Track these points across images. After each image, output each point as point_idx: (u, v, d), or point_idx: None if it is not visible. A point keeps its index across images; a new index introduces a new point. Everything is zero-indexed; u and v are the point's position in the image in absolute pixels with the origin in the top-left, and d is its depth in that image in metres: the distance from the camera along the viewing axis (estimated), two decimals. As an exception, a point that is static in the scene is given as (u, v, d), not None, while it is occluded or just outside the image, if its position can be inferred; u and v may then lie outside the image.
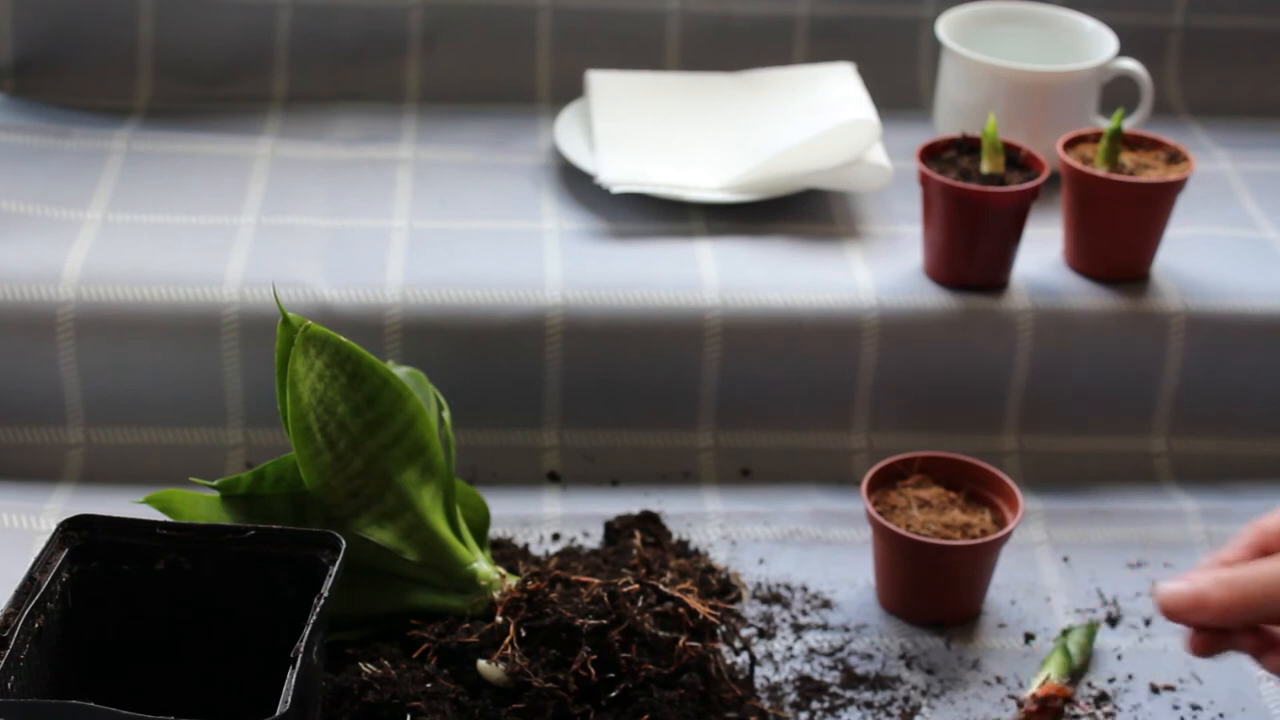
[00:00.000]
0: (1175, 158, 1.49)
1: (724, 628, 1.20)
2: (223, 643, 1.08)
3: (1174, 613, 0.99)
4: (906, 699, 1.23)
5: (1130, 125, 1.63)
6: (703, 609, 1.17)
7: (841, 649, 1.27)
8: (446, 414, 1.27)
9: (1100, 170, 1.46)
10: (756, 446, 1.47)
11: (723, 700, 1.16)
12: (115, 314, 1.41)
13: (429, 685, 1.12)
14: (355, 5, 1.76)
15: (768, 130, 1.64)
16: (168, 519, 1.12)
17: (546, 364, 1.44)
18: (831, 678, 1.24)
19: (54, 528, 1.06)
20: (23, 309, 1.40)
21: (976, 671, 1.26)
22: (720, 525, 1.40)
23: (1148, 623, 1.31)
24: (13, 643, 0.99)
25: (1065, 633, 1.27)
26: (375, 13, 1.77)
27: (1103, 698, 1.24)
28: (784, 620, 1.30)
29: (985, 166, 1.45)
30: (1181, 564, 1.38)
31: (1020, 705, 1.21)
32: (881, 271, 1.50)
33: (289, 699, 0.94)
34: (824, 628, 1.29)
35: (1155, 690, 1.25)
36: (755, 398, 1.46)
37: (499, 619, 1.15)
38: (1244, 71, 1.85)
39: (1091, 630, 1.28)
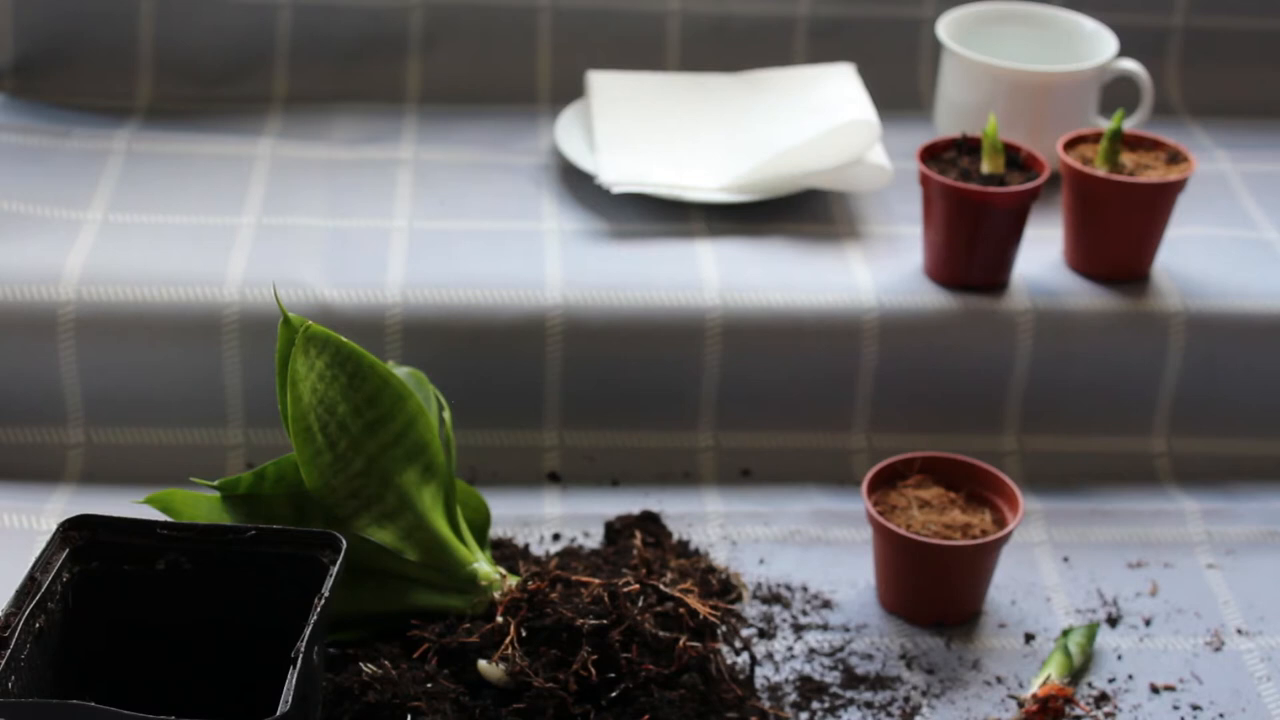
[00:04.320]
0: (1175, 158, 1.49)
1: (724, 628, 1.20)
2: (223, 642, 1.08)
3: None
4: (907, 699, 1.23)
5: (1130, 125, 1.63)
6: (703, 609, 1.17)
7: (842, 649, 1.27)
8: (447, 414, 1.27)
9: (1100, 170, 1.46)
10: (756, 446, 1.47)
11: (723, 700, 1.16)
12: (115, 314, 1.41)
13: (429, 685, 1.12)
14: (355, 5, 1.76)
15: (768, 130, 1.64)
16: (168, 519, 1.12)
17: (546, 364, 1.44)
18: (832, 678, 1.24)
19: (54, 528, 1.06)
20: (23, 309, 1.40)
21: (976, 671, 1.26)
22: (720, 525, 1.40)
23: (1148, 623, 1.31)
24: (13, 643, 0.99)
25: (1065, 633, 1.27)
26: (375, 13, 1.77)
27: (1103, 698, 1.24)
28: (784, 620, 1.30)
29: (985, 167, 1.45)
30: (1181, 564, 1.38)
31: (1020, 705, 1.21)
32: (881, 271, 1.50)
33: (290, 699, 0.94)
34: (824, 628, 1.29)
35: (1155, 690, 1.25)
36: (755, 398, 1.46)
37: (499, 619, 1.15)
38: (1244, 71, 1.85)
39: (1091, 630, 1.28)
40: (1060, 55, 1.69)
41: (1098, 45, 1.67)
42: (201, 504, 1.16)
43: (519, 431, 1.45)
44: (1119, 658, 1.28)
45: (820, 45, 1.81)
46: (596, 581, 1.16)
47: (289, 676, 0.96)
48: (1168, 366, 1.48)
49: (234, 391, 1.42)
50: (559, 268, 1.47)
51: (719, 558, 1.36)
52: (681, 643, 1.15)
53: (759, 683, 1.23)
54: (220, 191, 1.57)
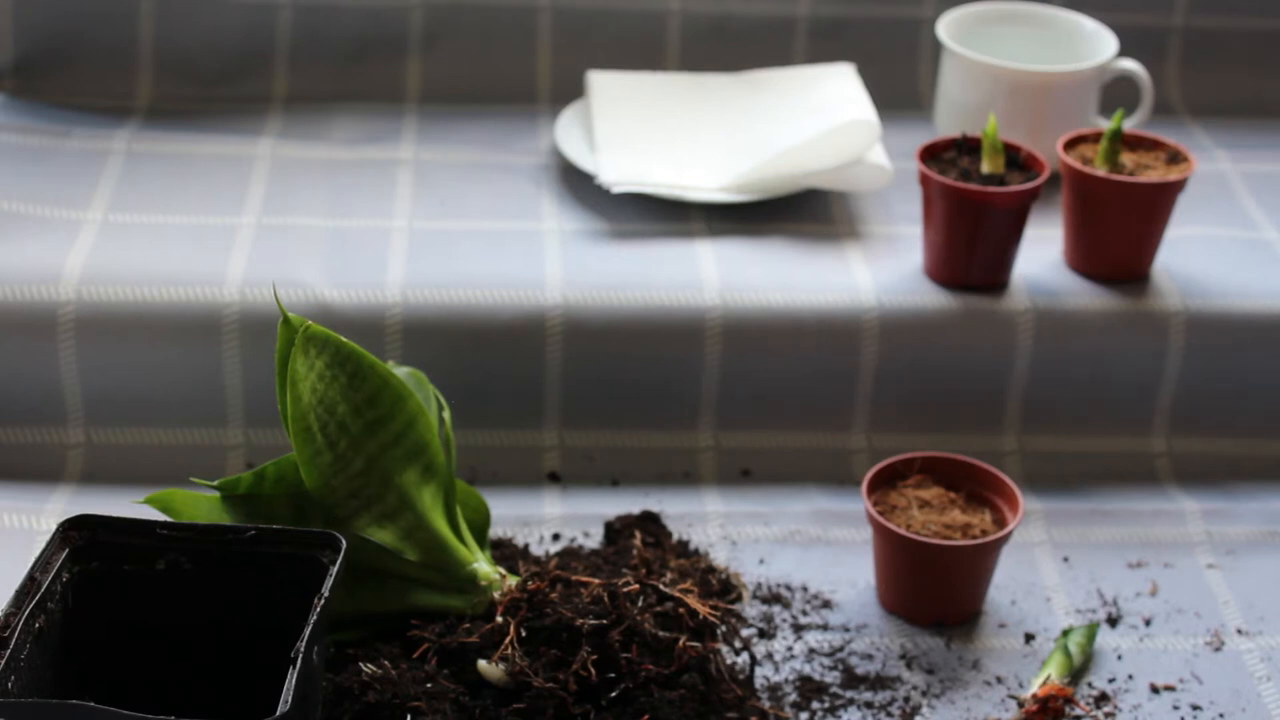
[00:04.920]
0: (1175, 158, 1.49)
1: (724, 628, 1.20)
2: (223, 643, 1.08)
3: None
4: (906, 699, 1.23)
5: (1130, 125, 1.63)
6: (703, 609, 1.17)
7: (841, 649, 1.27)
8: (446, 414, 1.27)
9: (1100, 170, 1.46)
10: (756, 446, 1.47)
11: (723, 700, 1.16)
12: (115, 314, 1.41)
13: (429, 685, 1.12)
14: (355, 5, 1.76)
15: (768, 130, 1.64)
16: (168, 519, 1.12)
17: (546, 364, 1.44)
18: (832, 678, 1.24)
19: (54, 528, 1.06)
20: (23, 309, 1.40)
21: (976, 671, 1.26)
22: (720, 525, 1.40)
23: (1148, 623, 1.31)
24: (13, 643, 0.99)
25: (1065, 633, 1.27)
26: (375, 13, 1.77)
27: (1103, 698, 1.24)
28: (784, 620, 1.30)
29: (985, 167, 1.45)
30: (1181, 564, 1.38)
31: (1020, 705, 1.21)
32: (881, 271, 1.50)
33: (289, 699, 0.94)
34: (824, 628, 1.29)
35: (1155, 690, 1.25)
36: (755, 398, 1.46)
37: (499, 619, 1.15)
38: (1244, 71, 1.85)
39: (1091, 630, 1.28)
40: (1060, 55, 1.69)
41: (1098, 45, 1.67)
42: (201, 504, 1.16)
43: (519, 431, 1.45)
44: (1119, 658, 1.28)
45: (820, 45, 1.81)
46: (596, 581, 1.16)
47: (289, 676, 0.96)
48: (1168, 366, 1.48)
49: (234, 391, 1.42)
50: (559, 268, 1.47)
51: (719, 558, 1.36)
52: (681, 643, 1.15)
53: (759, 683, 1.23)
54: (220, 191, 1.57)
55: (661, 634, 1.15)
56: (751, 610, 1.30)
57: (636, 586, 1.17)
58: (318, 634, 1.00)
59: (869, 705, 1.22)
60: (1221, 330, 1.47)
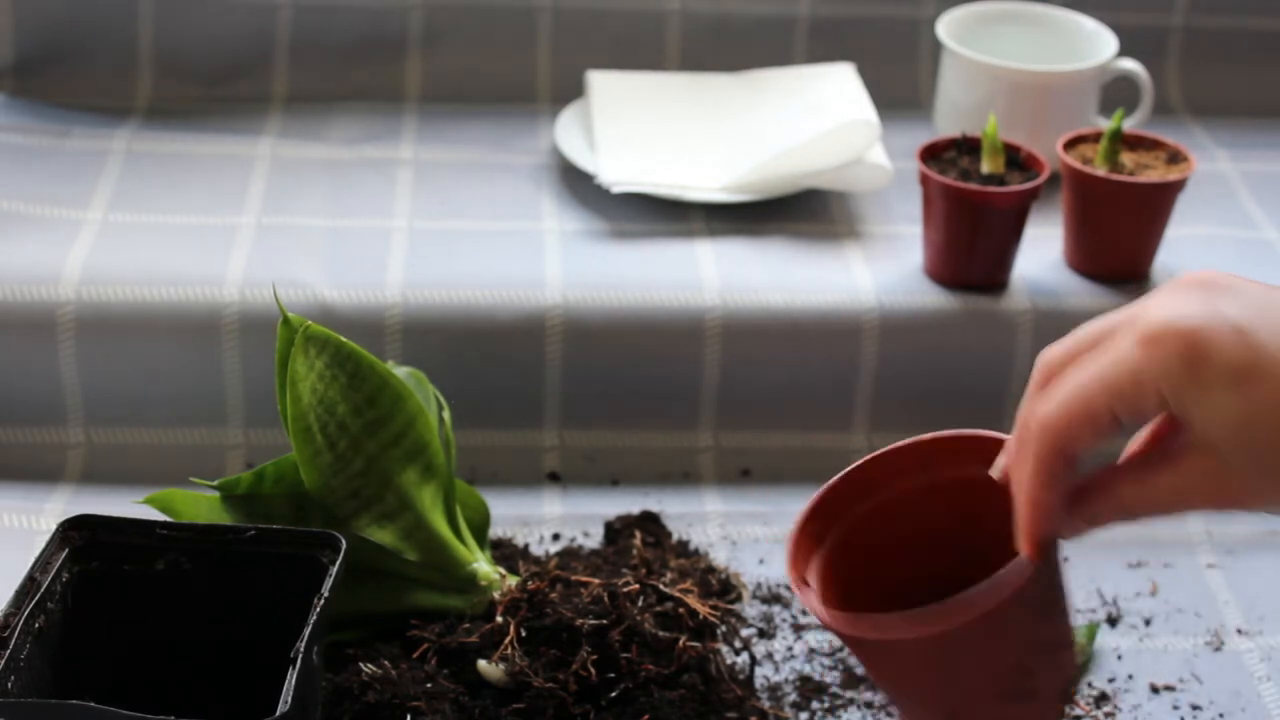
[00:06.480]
0: (1175, 158, 1.49)
1: (724, 628, 1.20)
2: (223, 643, 1.08)
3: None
4: (906, 699, 1.23)
5: (1130, 125, 1.63)
6: (703, 609, 1.17)
7: (842, 649, 1.27)
8: (446, 414, 1.27)
9: (1100, 170, 1.46)
10: (756, 446, 1.47)
11: (723, 700, 1.16)
12: (115, 314, 1.41)
13: (429, 685, 1.12)
14: (355, 5, 1.76)
15: (768, 130, 1.64)
16: (168, 519, 1.12)
17: (546, 364, 1.44)
18: (831, 678, 1.24)
19: (54, 528, 1.06)
20: (23, 309, 1.40)
21: (976, 671, 1.26)
22: (720, 525, 1.40)
23: (1148, 623, 1.31)
24: (13, 643, 0.99)
25: (1065, 633, 1.27)
26: (375, 13, 1.77)
27: (1103, 698, 1.24)
28: (784, 620, 1.30)
29: (985, 166, 1.45)
30: (1181, 564, 1.38)
31: (1020, 705, 1.21)
32: (881, 271, 1.50)
33: (289, 699, 0.94)
34: (824, 628, 1.29)
35: (1155, 690, 1.25)
36: (755, 398, 1.46)
37: (499, 619, 1.15)
38: (1244, 71, 1.85)
39: (1091, 630, 1.28)
40: (1060, 55, 1.69)
41: (1098, 45, 1.67)
42: (201, 504, 1.16)
43: (519, 431, 1.45)
44: (1119, 658, 1.28)
45: (820, 45, 1.81)
46: (596, 581, 1.16)
47: (289, 676, 0.96)
48: (1168, 366, 1.47)
49: (234, 391, 1.42)
50: (559, 268, 1.47)
51: (719, 558, 1.36)
52: (681, 643, 1.15)
53: (759, 683, 1.23)
54: (220, 191, 1.57)
55: (661, 634, 1.15)
56: (751, 610, 1.30)
57: (636, 586, 1.17)
58: (318, 634, 1.00)
59: (869, 705, 1.22)
60: (1221, 330, 1.47)
